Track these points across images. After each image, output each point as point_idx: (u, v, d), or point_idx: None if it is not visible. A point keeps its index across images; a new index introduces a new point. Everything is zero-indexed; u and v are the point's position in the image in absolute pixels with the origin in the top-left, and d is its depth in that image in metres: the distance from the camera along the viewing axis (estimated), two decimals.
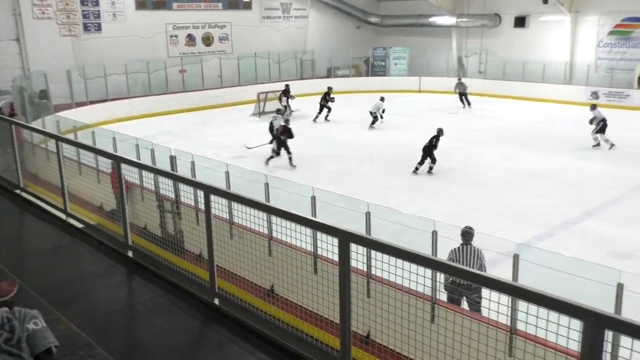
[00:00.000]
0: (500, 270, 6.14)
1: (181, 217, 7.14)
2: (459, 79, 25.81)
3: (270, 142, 15.62)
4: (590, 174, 14.35)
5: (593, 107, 17.79)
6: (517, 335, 4.62)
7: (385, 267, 3.61)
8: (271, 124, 17.07)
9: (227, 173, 8.07)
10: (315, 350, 3.96)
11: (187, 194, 6.37)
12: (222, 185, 6.45)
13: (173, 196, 7.01)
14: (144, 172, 6.74)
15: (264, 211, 4.68)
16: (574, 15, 25.88)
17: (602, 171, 14.55)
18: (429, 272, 3.57)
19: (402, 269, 3.48)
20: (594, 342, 2.41)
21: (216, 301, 4.78)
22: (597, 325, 2.40)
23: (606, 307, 3.34)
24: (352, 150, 17.37)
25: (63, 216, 7.06)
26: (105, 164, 7.59)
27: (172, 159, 8.84)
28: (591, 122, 17.40)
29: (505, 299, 3.20)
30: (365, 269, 5.11)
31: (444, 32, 30.58)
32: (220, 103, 25.53)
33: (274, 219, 5.62)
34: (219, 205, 4.84)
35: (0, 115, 12.95)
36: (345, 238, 3.44)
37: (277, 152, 15.23)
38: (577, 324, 2.52)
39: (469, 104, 24.76)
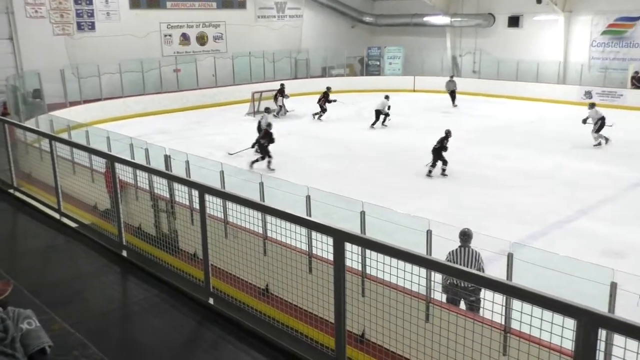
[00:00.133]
0: (494, 270, 6.18)
1: (176, 217, 7.12)
2: (451, 77, 25.94)
3: (253, 146, 15.43)
4: (584, 173, 14.42)
5: (591, 106, 17.90)
6: (511, 334, 4.64)
7: (380, 266, 3.62)
8: (259, 123, 17.11)
9: (222, 172, 8.06)
10: (310, 349, 3.97)
11: (181, 194, 6.36)
12: (216, 185, 6.45)
13: (167, 195, 7.00)
14: (138, 172, 6.73)
15: (259, 210, 4.68)
16: (568, 14, 25.99)
17: (595, 170, 14.62)
18: (423, 271, 3.57)
19: (397, 268, 3.48)
20: (588, 341, 2.43)
21: (211, 300, 4.77)
22: (590, 324, 2.41)
23: (600, 306, 3.36)
24: (346, 149, 17.39)
25: (57, 216, 7.03)
26: (100, 164, 7.56)
27: (167, 159, 8.82)
28: (584, 121, 17.48)
29: (499, 298, 3.22)
30: (360, 268, 5.11)
31: (438, 31, 30.64)
32: (214, 102, 25.50)
33: (268, 218, 5.62)
34: (213, 205, 4.84)
35: None
36: (340, 237, 3.44)
37: (262, 156, 15.09)
38: (571, 323, 2.53)
39: (453, 102, 24.88)
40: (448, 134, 14.52)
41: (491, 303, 3.39)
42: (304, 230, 4.79)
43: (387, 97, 20.78)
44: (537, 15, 26.79)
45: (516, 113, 23.37)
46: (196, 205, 4.87)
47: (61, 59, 22.15)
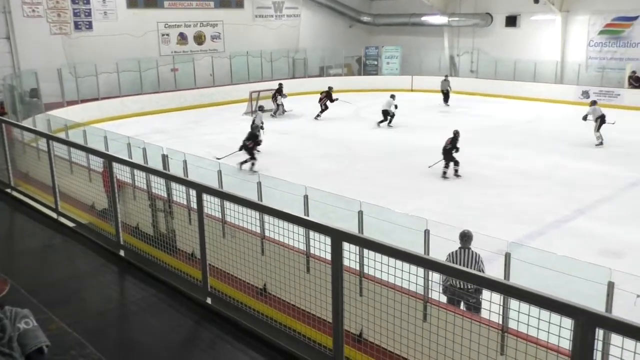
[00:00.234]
0: (492, 269, 6.19)
1: (173, 216, 7.12)
2: (445, 77, 26.00)
3: (240, 149, 15.20)
4: (581, 173, 14.45)
5: (592, 103, 18.04)
6: (508, 334, 4.65)
7: (378, 265, 3.62)
8: (253, 121, 17.13)
9: (220, 172, 8.06)
10: (308, 349, 3.97)
11: (179, 193, 6.36)
12: (214, 184, 6.44)
13: (165, 195, 6.99)
14: (135, 171, 6.72)
15: (257, 210, 4.68)
16: (565, 14, 26.03)
17: (592, 170, 14.65)
18: (421, 270, 3.57)
19: (395, 268, 3.49)
20: (585, 341, 2.43)
21: (209, 300, 4.77)
22: (588, 324, 2.41)
23: (597, 305, 3.37)
24: (345, 149, 17.40)
25: (54, 215, 7.02)
26: (97, 163, 7.55)
27: (164, 158, 8.81)
28: (585, 118, 17.58)
29: (497, 297, 3.22)
30: (357, 268, 5.12)
31: (436, 31, 30.66)
32: (212, 102, 25.49)
33: (266, 217, 5.62)
34: (211, 204, 4.83)
35: None
36: (338, 237, 3.44)
37: (250, 157, 14.92)
38: (568, 323, 2.54)
39: (445, 101, 24.88)
40: (457, 134, 14.45)
41: (489, 303, 3.40)
42: (301, 230, 4.79)
43: (392, 97, 20.84)
44: (534, 15, 26.83)
45: (514, 113, 23.41)
46: (194, 205, 4.87)
47: (58, 58, 22.11)
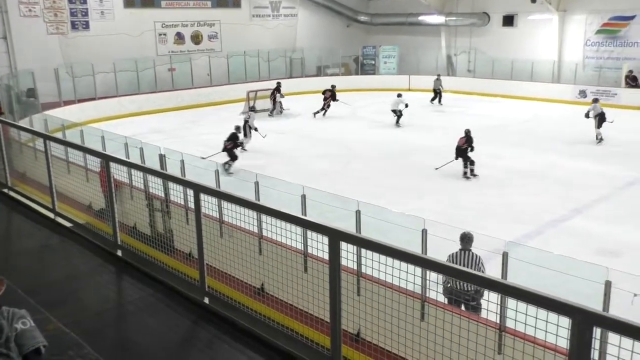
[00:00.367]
0: (489, 268, 6.19)
1: (171, 216, 7.11)
2: (438, 76, 26.06)
3: (223, 150, 15.11)
4: (578, 172, 14.47)
5: (594, 100, 18.22)
6: (506, 333, 4.65)
7: (376, 265, 3.62)
8: (246, 121, 17.16)
9: (217, 172, 8.06)
10: (306, 348, 3.97)
11: (176, 193, 6.35)
12: (212, 184, 6.44)
13: (163, 195, 6.98)
14: (133, 171, 6.71)
15: (254, 210, 4.68)
16: (562, 14, 26.07)
17: (590, 169, 14.68)
18: (419, 270, 3.58)
19: (392, 267, 3.49)
20: (582, 339, 2.44)
21: (206, 300, 4.77)
22: (585, 323, 2.42)
23: (594, 304, 3.37)
24: (343, 148, 17.40)
25: (51, 215, 7.01)
26: (94, 163, 7.54)
27: (162, 158, 8.80)
28: (587, 115, 17.70)
29: (494, 297, 3.22)
30: (355, 267, 5.12)
31: (433, 30, 30.69)
32: (209, 101, 25.48)
33: (264, 217, 5.61)
34: (208, 204, 4.83)
35: None
36: (336, 236, 3.44)
37: (231, 158, 14.82)
38: (565, 322, 2.54)
39: (439, 100, 25.07)
40: (469, 133, 14.42)
41: (486, 302, 3.40)
42: (299, 230, 4.79)
43: (399, 95, 20.98)
44: (531, 14, 26.87)
45: (511, 112, 23.44)
46: (191, 205, 4.86)
47: (55, 58, 22.07)
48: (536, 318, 2.94)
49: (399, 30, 31.82)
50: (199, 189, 4.61)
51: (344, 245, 3.44)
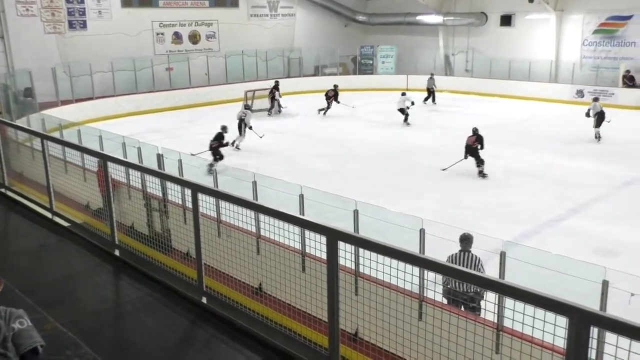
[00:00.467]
0: (488, 268, 6.20)
1: (168, 216, 7.10)
2: (431, 75, 26.09)
3: (209, 149, 14.99)
4: (576, 172, 14.50)
5: (595, 99, 18.43)
6: (504, 332, 4.66)
7: (373, 265, 3.62)
8: (241, 120, 17.15)
9: (215, 171, 8.05)
10: (304, 348, 3.97)
11: (174, 193, 6.34)
12: (209, 184, 6.43)
13: (160, 194, 6.97)
14: (130, 171, 6.70)
15: (252, 209, 4.68)
16: (559, 13, 26.11)
17: (587, 169, 14.71)
18: (417, 270, 3.58)
19: (390, 267, 3.49)
20: (580, 339, 2.44)
21: (204, 300, 4.76)
22: (582, 322, 2.42)
23: (592, 304, 3.38)
24: (341, 148, 17.40)
25: (49, 215, 6.99)
26: (92, 163, 7.53)
27: (159, 157, 8.79)
28: (587, 114, 17.83)
29: (491, 296, 3.23)
30: (353, 267, 5.12)
31: (431, 30, 30.71)
32: (207, 101, 25.47)
33: (262, 217, 5.61)
34: (206, 204, 4.82)
35: None
36: (333, 236, 3.44)
37: (218, 158, 14.74)
38: (563, 321, 2.54)
39: (433, 99, 24.99)
40: (476, 131, 14.45)
41: (484, 302, 3.40)
42: (297, 229, 4.79)
43: (404, 94, 21.11)
44: (529, 14, 26.92)
45: (508, 112, 23.47)
46: (189, 204, 4.86)
47: (53, 57, 22.04)
48: (534, 317, 2.95)
49: (396, 30, 31.83)
50: (196, 188, 4.60)
51: (342, 245, 3.44)
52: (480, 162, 14.13)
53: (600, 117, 17.52)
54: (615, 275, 4.55)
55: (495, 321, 4.75)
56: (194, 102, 25.06)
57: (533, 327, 3.07)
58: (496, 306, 4.30)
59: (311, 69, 31.05)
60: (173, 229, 6.37)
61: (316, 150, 17.05)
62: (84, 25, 23.78)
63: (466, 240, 6.50)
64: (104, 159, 5.88)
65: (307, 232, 4.77)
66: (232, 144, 17.20)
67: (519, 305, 2.81)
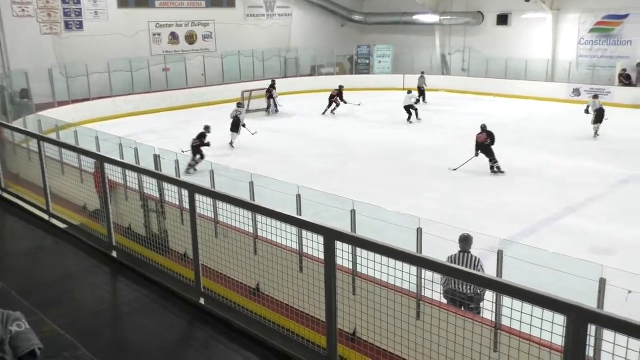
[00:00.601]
0: (485, 267, 6.21)
1: (165, 217, 7.09)
2: (422, 73, 26.14)
3: (191, 147, 14.97)
4: (572, 170, 14.52)
5: (594, 96, 18.61)
6: (501, 331, 4.67)
7: (371, 264, 3.62)
8: (236, 117, 17.18)
9: (212, 172, 8.04)
10: (302, 348, 3.97)
11: (171, 193, 6.33)
12: (206, 184, 6.43)
13: (157, 195, 6.96)
14: (127, 172, 6.69)
15: (249, 210, 4.67)
16: (556, 12, 26.16)
17: (583, 167, 14.74)
18: (414, 269, 3.58)
19: (388, 266, 3.49)
20: (577, 336, 2.44)
21: (201, 300, 4.76)
22: (579, 320, 2.42)
23: (589, 301, 3.39)
24: (339, 147, 17.39)
25: (45, 216, 6.97)
26: (89, 164, 7.51)
27: (156, 158, 8.78)
28: (587, 110, 18.07)
29: (489, 295, 3.23)
30: (350, 267, 5.12)
31: (428, 29, 30.72)
32: (204, 101, 25.43)
33: (259, 217, 5.61)
34: (203, 204, 4.82)
35: None
36: (331, 236, 3.44)
37: (198, 157, 14.66)
38: (560, 319, 2.55)
39: (423, 98, 25.10)
40: (485, 127, 14.52)
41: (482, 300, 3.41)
42: (294, 229, 4.79)
43: (409, 92, 21.35)
44: (525, 13, 26.95)
45: (505, 111, 23.48)
46: (186, 205, 4.85)
47: (49, 58, 21.97)
48: (531, 316, 2.96)
49: (393, 29, 31.84)
50: (193, 189, 4.60)
51: (339, 244, 3.44)
52: (493, 158, 14.18)
53: (599, 114, 17.65)
54: (612, 273, 4.56)
55: (493, 319, 4.76)
56: (191, 102, 25.03)
57: (531, 325, 3.08)
58: (494, 304, 4.31)
59: (308, 68, 31.05)
60: (170, 229, 6.36)
61: (314, 150, 17.05)
62: (80, 25, 23.72)
63: (465, 240, 6.47)
64: (100, 160, 5.87)
65: (304, 232, 4.76)
66: (230, 143, 17.29)
67: (517, 303, 2.82)
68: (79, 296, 5.11)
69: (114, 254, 5.80)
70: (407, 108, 20.90)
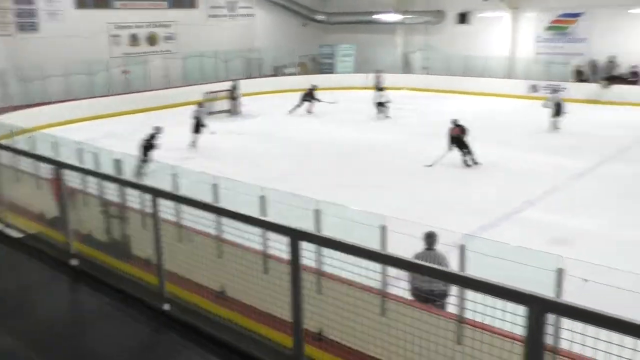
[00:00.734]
0: (450, 263, 6.29)
1: (127, 222, 6.95)
2: (377, 72, 26.46)
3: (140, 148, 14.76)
4: (531, 164, 14.90)
5: (554, 90, 19.13)
6: (465, 324, 4.74)
7: (336, 263, 3.62)
8: (197, 118, 17.29)
9: (175, 175, 7.93)
10: (269, 349, 3.95)
11: (133, 198, 6.21)
12: (169, 188, 6.33)
13: (119, 201, 6.81)
14: (87, 177, 6.53)
15: (213, 212, 4.61)
16: (514, 11, 26.80)
17: (541, 161, 15.13)
18: (378, 266, 3.60)
19: (353, 265, 3.50)
20: (538, 326, 2.50)
21: (166, 306, 4.67)
22: (539, 310, 2.48)
23: (549, 292, 3.47)
24: (302, 147, 17.41)
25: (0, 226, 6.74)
26: (47, 170, 7.30)
27: (117, 163, 8.60)
28: (546, 105, 18.65)
29: (453, 289, 3.27)
30: (316, 266, 5.11)
31: (390, 29, 31.01)
32: (166, 104, 25.02)
33: (223, 220, 5.55)
34: (166, 209, 4.74)
35: None
36: (295, 236, 3.42)
37: (146, 159, 14.33)
38: (522, 310, 2.60)
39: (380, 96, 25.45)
40: (457, 121, 14.72)
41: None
42: (260, 231, 4.75)
43: (381, 89, 21.85)
44: (484, 12, 27.50)
45: (466, 108, 23.86)
46: (149, 210, 4.77)
47: (1, 61, 21.27)
48: (494, 308, 3.00)
49: (355, 28, 32.01)
50: (156, 193, 4.52)
51: (304, 244, 3.43)
52: (469, 151, 14.41)
53: (559, 108, 18.21)
54: (570, 263, 4.69)
55: (457, 313, 4.82)
56: (153, 105, 24.61)
57: (493, 317, 3.13)
58: (457, 299, 4.37)
59: (271, 69, 30.94)
60: (132, 235, 6.24)
61: (278, 151, 17.01)
62: (34, 27, 23.05)
63: (430, 237, 6.52)
64: (58, 166, 5.71)
65: (270, 234, 4.74)
66: (191, 144, 17.15)
67: (479, 296, 2.86)
68: (37, 308, 4.95)
69: (74, 262, 5.65)
70: (379, 105, 21.28)
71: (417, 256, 6.40)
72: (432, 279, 4.83)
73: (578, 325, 2.50)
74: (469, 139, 14.62)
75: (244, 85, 24.96)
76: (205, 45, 27.91)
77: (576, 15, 25.25)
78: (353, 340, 3.86)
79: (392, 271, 4.85)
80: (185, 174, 8.21)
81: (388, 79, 27.32)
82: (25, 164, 7.75)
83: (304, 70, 32.16)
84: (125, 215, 6.89)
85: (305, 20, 33.16)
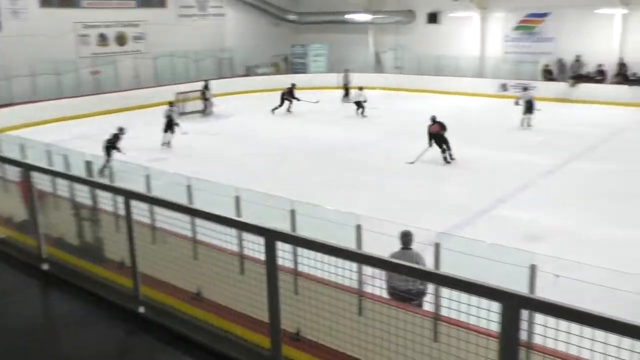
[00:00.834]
0: (426, 262, 6.36)
1: (100, 225, 6.84)
2: (346, 71, 26.58)
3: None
4: (502, 162, 15.15)
5: (524, 88, 19.59)
6: (441, 321, 4.79)
7: (312, 263, 3.63)
8: (169, 117, 17.23)
9: (148, 176, 7.83)
10: (246, 351, 3.93)
11: (105, 200, 6.11)
12: (142, 189, 6.25)
13: (90, 203, 6.70)
14: (57, 180, 6.39)
15: (187, 214, 4.58)
16: (483, 11, 27.22)
17: (512, 159, 15.40)
18: (355, 265, 3.62)
19: (329, 264, 3.51)
20: (512, 322, 2.55)
21: (141, 309, 4.62)
22: (513, 306, 2.53)
23: (522, 288, 3.54)
24: (276, 147, 17.37)
25: None
26: (14, 173, 7.12)
27: (88, 165, 8.45)
28: (517, 102, 19.01)
29: (430, 288, 3.31)
30: (292, 266, 5.11)
31: (361, 28, 31.15)
32: (137, 105, 24.67)
33: (198, 221, 5.50)
34: (139, 210, 4.68)
35: None
36: (271, 237, 3.42)
37: (109, 159, 14.37)
38: (496, 306, 2.65)
39: (347, 96, 25.59)
40: (436, 118, 14.97)
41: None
42: (234, 232, 4.73)
43: (361, 89, 22.09)
44: (454, 12, 27.85)
45: (437, 107, 24.13)
46: (121, 212, 4.70)
47: None
48: (469, 305, 3.05)
49: (327, 28, 32.06)
50: (128, 195, 4.46)
51: (280, 244, 3.43)
52: (448, 147, 14.61)
53: (529, 105, 18.62)
54: (542, 259, 4.79)
55: (433, 311, 4.88)
56: (123, 105, 24.24)
57: (468, 314, 3.18)
58: (433, 296, 4.43)
59: (242, 69, 30.78)
60: (105, 238, 6.15)
61: (253, 151, 16.95)
62: None
63: (406, 237, 6.55)
64: (27, 168, 5.58)
65: (245, 234, 4.72)
66: (164, 144, 17.00)
67: (455, 293, 2.90)
68: (8, 314, 4.84)
69: (45, 267, 5.53)
70: (358, 103, 21.68)
71: (394, 256, 6.43)
72: (409, 279, 4.88)
73: (551, 321, 2.55)
74: (447, 135, 14.85)
75: (216, 86, 24.79)
76: (176, 45, 27.60)
77: (543, 15, 25.77)
78: (331, 339, 3.87)
79: (368, 270, 4.89)
80: (158, 175, 8.12)
81: (362, 79, 27.44)
82: None
83: (277, 70, 32.09)
84: (97, 218, 6.77)
85: (276, 20, 33.07)
